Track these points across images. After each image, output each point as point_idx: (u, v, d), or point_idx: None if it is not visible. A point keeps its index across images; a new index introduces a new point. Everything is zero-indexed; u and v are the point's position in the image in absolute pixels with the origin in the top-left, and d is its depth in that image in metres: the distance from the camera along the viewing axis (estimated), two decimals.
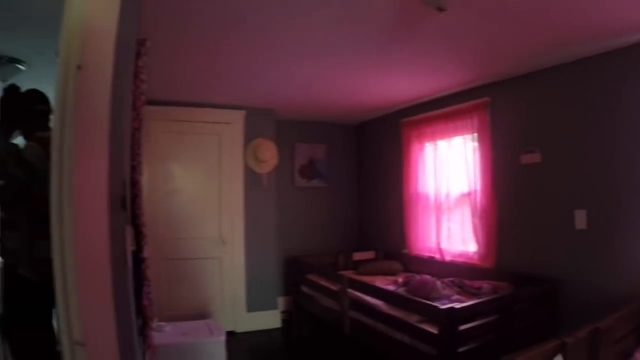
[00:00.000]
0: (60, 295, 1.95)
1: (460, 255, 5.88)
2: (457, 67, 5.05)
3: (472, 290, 4.83)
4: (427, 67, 5.06)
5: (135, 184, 3.06)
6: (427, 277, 5.16)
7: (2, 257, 3.02)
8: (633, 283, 4.06)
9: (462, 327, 3.76)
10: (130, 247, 2.36)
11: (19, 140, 3.26)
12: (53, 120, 2.02)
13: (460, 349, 3.70)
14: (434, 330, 3.84)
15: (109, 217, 2.03)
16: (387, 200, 7.53)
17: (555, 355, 2.77)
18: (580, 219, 4.55)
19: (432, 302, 4.12)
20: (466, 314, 3.86)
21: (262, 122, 6.97)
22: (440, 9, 3.24)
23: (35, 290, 2.67)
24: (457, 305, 3.89)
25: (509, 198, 5.32)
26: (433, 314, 3.92)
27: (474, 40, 4.20)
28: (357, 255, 7.34)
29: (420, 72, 5.27)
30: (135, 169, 3.04)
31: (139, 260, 3.02)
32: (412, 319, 4.16)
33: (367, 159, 8.33)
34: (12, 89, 3.22)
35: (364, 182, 8.43)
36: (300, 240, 7.75)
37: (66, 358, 1.97)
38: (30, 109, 3.19)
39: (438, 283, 4.85)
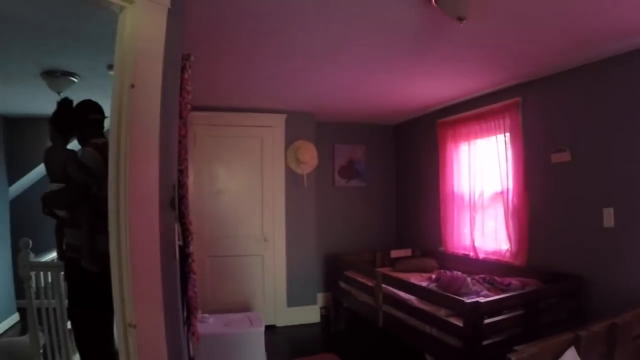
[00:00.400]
0: (116, 284, 2.26)
1: (494, 253, 5.98)
2: (486, 69, 5.18)
3: (501, 287, 4.97)
4: (456, 70, 5.21)
5: (182, 186, 3.33)
6: (458, 273, 5.31)
7: (66, 252, 3.37)
8: None
9: (487, 321, 3.97)
10: (178, 243, 2.64)
11: (74, 146, 3.58)
12: (111, 132, 2.31)
13: (485, 342, 3.89)
14: (459, 323, 4.06)
15: (159, 216, 2.33)
16: (423, 199, 7.68)
17: (568, 347, 2.90)
18: (608, 217, 4.59)
19: (462, 297, 4.31)
20: (491, 308, 4.06)
21: (302, 125, 7.23)
22: (460, 19, 3.34)
23: (96, 281, 2.97)
24: (482, 300, 4.09)
25: (540, 197, 5.39)
26: (459, 308, 4.11)
27: (498, 45, 4.35)
28: (394, 253, 7.51)
29: (450, 75, 5.42)
30: (182, 172, 3.32)
31: (185, 255, 3.32)
32: (441, 313, 4.36)
33: (405, 159, 8.48)
34: (66, 102, 3.54)
35: (402, 182, 8.58)
36: (339, 239, 7.96)
37: (120, 338, 2.28)
38: (85, 118, 3.50)
39: (468, 279, 5.01)
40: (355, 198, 8.29)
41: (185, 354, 3.09)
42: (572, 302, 4.64)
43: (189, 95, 3.56)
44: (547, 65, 4.98)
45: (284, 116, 7.09)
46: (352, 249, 7.79)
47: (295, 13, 3.52)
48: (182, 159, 3.31)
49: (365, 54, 4.54)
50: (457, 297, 4.40)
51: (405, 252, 7.60)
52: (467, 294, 4.57)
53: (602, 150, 4.70)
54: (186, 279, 3.33)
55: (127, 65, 2.31)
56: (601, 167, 4.71)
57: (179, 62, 2.91)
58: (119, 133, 2.27)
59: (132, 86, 2.28)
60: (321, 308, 7.37)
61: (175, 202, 2.60)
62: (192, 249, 3.44)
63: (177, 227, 2.64)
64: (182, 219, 3.29)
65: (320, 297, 7.60)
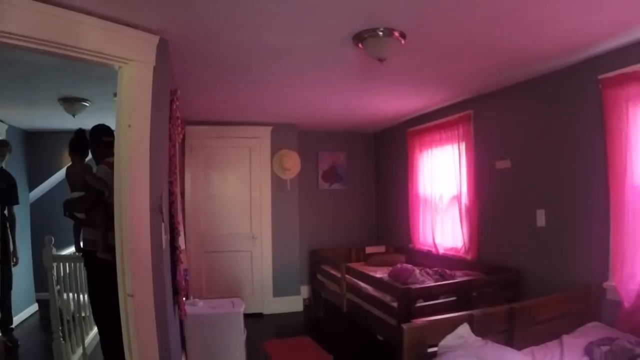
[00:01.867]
0: (120, 265, 3.22)
1: (451, 249, 6.61)
2: (435, 89, 5.78)
3: (448, 279, 5.58)
4: (409, 90, 5.83)
5: (172, 194, 4.25)
6: (408, 266, 5.97)
7: (85, 246, 4.25)
8: (582, 274, 4.50)
9: (420, 304, 4.65)
10: (164, 236, 3.57)
11: (91, 163, 4.50)
12: (115, 158, 3.28)
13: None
14: (396, 305, 4.77)
15: (150, 217, 3.30)
16: (397, 201, 8.28)
17: (462, 324, 3.45)
18: (540, 218, 5.10)
19: (408, 285, 5.02)
20: (423, 294, 4.76)
21: (286, 135, 8.02)
22: (381, 60, 3.81)
23: (110, 267, 3.90)
24: (413, 286, 4.88)
25: (487, 199, 5.93)
26: (396, 293, 4.83)
27: (437, 72, 4.96)
28: (369, 249, 8.28)
29: (406, 94, 6.04)
30: (172, 183, 4.22)
31: (174, 247, 4.25)
32: (387, 298, 5.02)
33: (382, 164, 9.14)
34: (80, 132, 4.50)
35: (380, 185, 9.26)
36: (323, 237, 8.67)
37: (122, 304, 3.24)
38: (100, 140, 4.42)
39: (416, 271, 5.68)
40: (338, 200, 9.02)
41: (172, 324, 4.00)
42: (511, 291, 5.11)
43: (179, 120, 4.46)
44: (492, 82, 5.48)
45: (269, 128, 7.88)
46: (333, 245, 8.47)
47: (262, 55, 4.24)
48: (171, 173, 4.21)
49: (326, 82, 5.28)
50: (393, 283, 5.21)
51: (380, 249, 8.37)
52: (414, 284, 5.22)
53: (536, 158, 5.22)
54: (175, 267, 4.24)
55: (125, 110, 3.28)
56: (535, 173, 5.24)
57: (166, 105, 3.83)
58: (121, 159, 3.25)
59: (129, 126, 3.25)
60: (304, 299, 8.20)
61: (162, 207, 3.52)
62: (180, 243, 4.34)
63: (163, 225, 3.57)
64: (172, 219, 4.20)
65: (304, 289, 8.34)
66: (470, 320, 3.51)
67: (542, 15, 3.40)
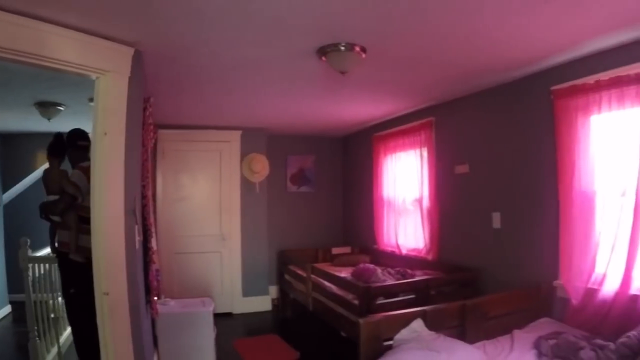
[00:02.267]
0: (96, 264, 3.41)
1: (413, 250, 6.85)
2: (397, 97, 6.02)
3: (409, 278, 5.68)
4: (373, 98, 6.07)
5: (144, 197, 4.43)
6: (370, 266, 6.18)
7: (58, 248, 4.41)
8: (534, 273, 4.76)
9: (380, 302, 4.87)
10: (137, 238, 3.76)
11: (66, 167, 4.65)
12: (92, 164, 3.46)
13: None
14: (358, 303, 4.96)
15: (124, 219, 3.49)
16: (363, 204, 8.49)
17: (414, 319, 3.66)
18: (496, 220, 5.37)
19: (370, 284, 5.21)
20: (383, 292, 5.02)
21: (256, 139, 8.19)
22: (342, 72, 4.04)
23: (82, 268, 4.06)
24: (373, 285, 5.11)
25: (447, 202, 6.18)
26: (357, 291, 5.04)
27: (397, 82, 5.22)
28: (335, 250, 8.51)
29: (370, 101, 6.28)
30: (144, 187, 4.41)
31: (146, 248, 4.43)
32: (349, 297, 5.21)
33: (350, 167, 9.36)
34: (58, 136, 4.62)
35: (347, 188, 9.49)
36: (291, 238, 8.86)
37: (98, 302, 3.42)
38: (75, 144, 4.58)
39: (378, 270, 5.89)
40: (305, 202, 9.23)
41: (145, 322, 4.18)
42: (469, 290, 5.29)
43: (151, 126, 4.64)
44: (452, 91, 5.75)
45: (239, 132, 8.04)
46: (301, 247, 8.66)
47: (232, 66, 4.44)
48: (144, 177, 4.39)
49: (293, 91, 5.51)
50: (354, 282, 5.45)
51: (345, 250, 8.60)
52: (376, 282, 5.41)
53: (492, 163, 5.49)
54: (147, 267, 4.42)
55: (101, 119, 3.47)
56: (491, 178, 5.50)
57: (140, 113, 4.02)
58: (97, 165, 3.44)
59: (105, 133, 3.45)
60: (273, 299, 8.38)
61: (136, 210, 3.71)
62: (152, 244, 4.52)
63: (137, 227, 3.76)
64: (144, 221, 4.38)
65: (272, 289, 8.48)
66: (423, 316, 3.73)
67: (493, 33, 3.69)
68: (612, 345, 3.33)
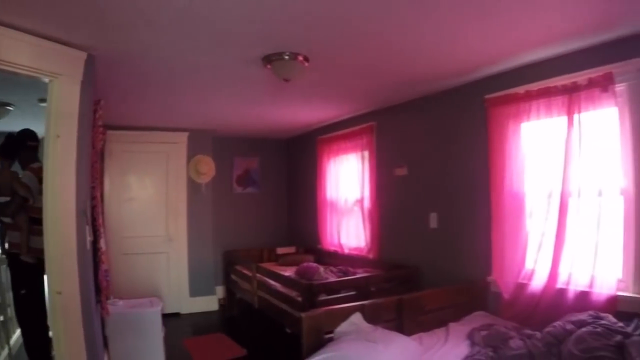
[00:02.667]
0: (49, 264, 3.48)
1: (355, 249, 7.08)
2: (340, 102, 6.23)
3: (351, 276, 5.91)
4: (316, 103, 6.29)
5: (94, 198, 4.48)
6: (313, 264, 6.40)
7: (9, 249, 4.43)
8: (469, 269, 5.05)
9: (322, 298, 5.05)
10: (89, 238, 3.84)
11: (16, 168, 4.66)
12: (44, 166, 3.53)
13: None
14: (301, 300, 5.16)
15: (76, 220, 3.58)
16: (307, 204, 8.70)
17: (353, 313, 3.82)
18: (433, 220, 5.64)
19: (313, 282, 5.39)
20: (325, 289, 5.23)
21: (202, 141, 8.25)
22: (286, 80, 4.23)
23: (33, 269, 4.11)
24: (315, 282, 5.31)
25: (387, 203, 6.42)
26: (300, 289, 5.25)
27: (339, 88, 5.43)
28: (280, 250, 8.69)
29: (313, 106, 6.49)
30: (94, 188, 4.45)
31: (96, 248, 4.48)
32: (293, 294, 5.42)
33: (294, 169, 9.55)
34: (11, 136, 4.65)
35: (291, 189, 9.68)
36: (237, 238, 8.95)
37: (50, 301, 3.51)
38: (25, 144, 4.60)
39: (321, 269, 6.12)
40: (251, 203, 9.36)
41: (96, 321, 4.25)
42: (408, 286, 5.43)
43: (101, 128, 4.69)
44: (388, 99, 6.04)
45: (186, 134, 8.09)
46: (246, 247, 8.76)
47: (182, 71, 4.55)
48: (94, 179, 4.44)
49: (240, 95, 5.65)
50: (298, 279, 5.63)
51: (290, 249, 8.79)
52: (319, 280, 5.60)
53: (430, 166, 5.74)
54: (97, 267, 4.47)
55: (54, 121, 3.55)
56: (429, 180, 5.75)
57: (90, 115, 4.09)
58: (50, 166, 3.52)
59: (58, 136, 3.52)
60: (219, 298, 8.47)
61: (86, 211, 3.79)
62: (102, 244, 4.58)
63: (88, 228, 3.83)
64: (94, 222, 4.44)
65: (219, 289, 8.58)
66: (362, 310, 3.91)
67: (432, 45, 3.95)
68: (538, 334, 3.58)
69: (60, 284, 3.50)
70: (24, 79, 3.87)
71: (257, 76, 4.70)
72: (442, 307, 4.52)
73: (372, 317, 3.93)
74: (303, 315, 3.63)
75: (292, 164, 9.73)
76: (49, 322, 3.71)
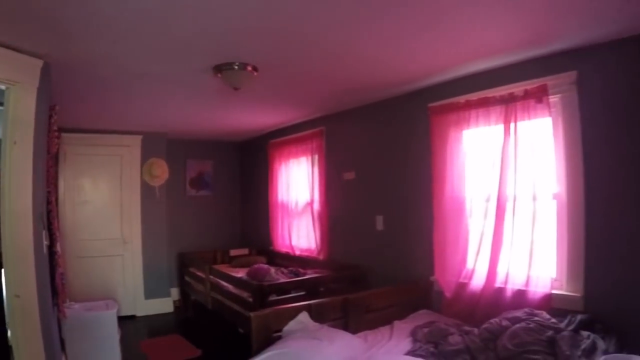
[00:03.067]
0: (7, 269, 3.55)
1: (306, 250, 7.26)
2: (291, 108, 6.38)
3: (301, 276, 6.10)
4: (267, 109, 6.45)
5: (49, 203, 4.53)
6: (264, 266, 6.54)
7: None
8: (414, 269, 5.24)
9: (273, 298, 5.21)
10: (45, 243, 3.91)
11: None
12: (1, 172, 3.59)
13: None
14: (252, 300, 5.26)
15: (33, 225, 3.65)
16: (259, 207, 8.82)
17: (300, 312, 3.97)
18: (380, 222, 5.86)
19: (264, 283, 5.50)
20: (275, 289, 5.37)
21: (156, 144, 8.27)
22: (236, 88, 4.38)
23: None
24: (266, 283, 5.45)
25: (336, 205, 6.61)
26: (251, 289, 5.36)
27: (288, 95, 5.58)
28: (233, 252, 8.81)
29: (264, 112, 6.64)
30: (50, 192, 4.50)
31: (52, 252, 4.53)
32: (245, 295, 5.54)
33: (247, 172, 9.64)
34: None
35: (244, 192, 9.81)
36: (191, 241, 9.04)
37: (9, 304, 3.57)
38: None
39: (272, 270, 6.25)
40: (204, 206, 9.44)
41: (54, 324, 4.31)
42: (357, 286, 5.56)
43: (56, 133, 4.74)
44: (340, 104, 6.16)
45: (140, 137, 8.08)
46: (200, 249, 8.85)
47: (136, 78, 4.64)
48: (49, 183, 4.49)
49: (193, 101, 5.78)
50: (249, 280, 5.76)
51: (243, 251, 8.91)
52: (270, 281, 5.71)
53: (376, 170, 5.93)
54: (54, 270, 4.53)
55: (11, 128, 3.62)
56: (375, 184, 5.94)
57: (46, 121, 4.15)
58: (7, 172, 3.59)
59: (15, 142, 3.60)
60: (174, 300, 8.53)
61: (44, 216, 3.87)
62: (58, 248, 4.63)
63: (44, 232, 3.91)
64: (50, 226, 4.49)
65: (173, 291, 8.62)
66: (308, 309, 4.06)
67: (377, 56, 4.14)
68: (476, 330, 3.85)
69: (18, 288, 3.56)
70: None
71: (209, 84, 4.84)
72: (387, 306, 4.71)
73: (319, 316, 4.10)
74: (252, 314, 3.75)
75: (245, 167, 9.83)
76: (8, 326, 3.75)
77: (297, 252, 7.49)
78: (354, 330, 4.22)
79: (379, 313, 4.60)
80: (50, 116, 4.47)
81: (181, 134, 8.57)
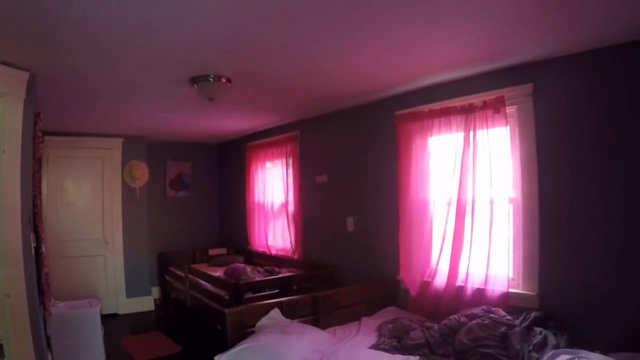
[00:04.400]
0: None
1: (282, 250, 7.45)
2: (266, 114, 6.59)
3: (277, 275, 6.34)
4: (243, 115, 6.67)
5: (35, 206, 4.69)
6: (241, 265, 6.70)
7: None
8: (383, 269, 5.41)
9: (248, 296, 5.45)
10: (33, 244, 4.11)
11: None
12: None
13: None
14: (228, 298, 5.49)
15: (22, 227, 3.85)
16: (237, 207, 8.99)
17: (272, 309, 4.20)
18: (350, 224, 6.05)
19: (240, 282, 5.68)
20: (250, 287, 5.57)
21: (136, 147, 8.40)
22: (211, 99, 4.60)
23: None
24: (241, 282, 5.64)
25: (309, 207, 6.80)
26: (227, 287, 5.59)
27: (262, 102, 5.79)
28: (212, 251, 8.96)
29: (240, 117, 6.84)
30: (35, 196, 4.64)
31: (38, 253, 4.69)
32: (222, 292, 5.73)
33: (225, 173, 9.81)
34: None
35: (223, 193, 9.96)
36: (171, 240, 9.20)
37: (1, 303, 3.75)
38: None
39: (248, 269, 6.43)
40: (184, 206, 9.60)
41: (41, 322, 4.47)
42: (328, 285, 5.64)
43: (40, 140, 4.90)
44: (309, 111, 6.42)
45: (121, 140, 8.21)
46: (180, 248, 8.98)
47: (117, 88, 4.84)
48: (35, 187, 4.65)
49: (172, 108, 5.99)
50: (225, 279, 5.98)
51: (222, 251, 9.07)
52: (246, 280, 5.86)
53: (347, 174, 6.11)
54: (40, 270, 4.69)
55: (0, 138, 3.80)
56: (346, 187, 6.13)
57: (32, 129, 4.34)
58: None
59: (4, 151, 3.79)
60: (155, 299, 8.70)
61: (31, 218, 4.06)
62: (43, 249, 4.79)
63: (32, 234, 4.10)
64: (36, 228, 4.65)
65: (154, 290, 8.78)
66: (280, 306, 4.29)
67: (346, 68, 4.37)
68: (436, 326, 4.10)
69: (9, 288, 3.75)
70: None
71: (186, 94, 5.04)
72: (356, 302, 4.92)
73: (290, 312, 4.32)
74: (227, 311, 3.96)
75: (224, 169, 9.96)
76: None
77: (274, 252, 7.66)
78: (323, 326, 4.44)
79: (349, 309, 4.81)
80: (35, 123, 4.61)
81: (161, 136, 8.70)
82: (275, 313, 4.21)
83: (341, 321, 4.66)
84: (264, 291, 5.64)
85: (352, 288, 5.17)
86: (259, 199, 8.12)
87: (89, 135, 7.92)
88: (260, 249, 8.05)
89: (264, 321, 4.09)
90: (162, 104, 5.71)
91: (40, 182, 5.27)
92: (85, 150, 8.02)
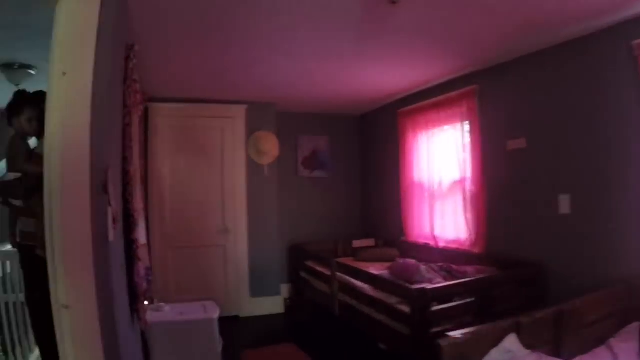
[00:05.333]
0: (51, 267, 2.33)
1: (453, 241, 6.15)
2: (438, 56, 5.32)
3: (458, 275, 5.05)
4: (407, 58, 5.38)
5: (127, 173, 3.40)
6: (412, 261, 5.44)
7: (21, 240, 3.44)
8: (616, 267, 4.16)
9: (436, 308, 4.07)
10: (112, 225, 2.69)
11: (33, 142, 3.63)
12: (46, 119, 2.36)
13: (434, 329, 3.94)
14: (408, 310, 4.18)
15: (90, 200, 2.38)
16: (387, 190, 7.87)
17: (507, 334, 2.91)
18: (564, 204, 4.71)
19: (414, 285, 4.43)
20: (439, 295, 4.17)
21: (263, 115, 7.40)
22: (393, 2, 3.56)
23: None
24: (429, 287, 4.19)
25: (497, 184, 5.52)
26: (407, 295, 4.23)
27: (446, 31, 4.45)
28: (357, 243, 7.84)
29: (403, 64, 5.60)
30: (126, 159, 3.38)
31: (130, 241, 3.40)
32: (392, 300, 4.48)
33: (369, 149, 8.69)
34: (21, 93, 3.60)
35: (367, 172, 8.79)
36: (303, 229, 8.16)
37: (56, 318, 2.35)
38: (41, 109, 3.55)
39: (422, 267, 5.13)
40: (320, 188, 8.50)
41: (131, 340, 3.17)
42: (532, 289, 4.68)
43: (137, 84, 3.64)
44: (501, 51, 5.08)
45: (244, 107, 7.22)
46: (316, 239, 8.01)
47: (228, 10, 3.73)
48: (126, 147, 3.38)
49: (314, 42, 4.70)
50: (405, 284, 4.56)
51: (368, 242, 7.93)
52: (420, 282, 4.66)
53: (557, 136, 4.82)
54: (132, 266, 3.40)
55: (59, 54, 2.36)
56: (556, 154, 4.83)
57: (119, 51, 2.98)
58: (52, 118, 2.33)
59: (64, 74, 2.33)
60: (285, 299, 7.61)
61: (108, 187, 2.65)
62: (138, 235, 3.51)
63: (111, 210, 2.69)
64: (127, 205, 3.36)
65: (284, 288, 7.80)
66: (517, 330, 2.95)
67: None
68: None
69: (67, 295, 2.32)
70: (48, 33, 2.86)
71: (344, 4, 3.77)
72: (597, 319, 3.52)
73: (529, 338, 2.99)
74: (443, 343, 2.66)
75: (368, 143, 8.80)
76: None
77: (441, 244, 6.37)
78: (567, 357, 3.14)
79: (591, 329, 3.48)
80: (128, 58, 3.47)
81: (291, 104, 7.69)
82: (511, 342, 2.88)
83: (584, 347, 3.30)
84: (452, 300, 4.26)
85: (596, 297, 3.73)
86: (419, 178, 6.89)
87: (205, 101, 7.11)
88: (421, 240, 6.77)
89: (493, 356, 2.79)
90: (309, 29, 4.38)
91: (141, 150, 4.06)
92: (201, 120, 7.17)
